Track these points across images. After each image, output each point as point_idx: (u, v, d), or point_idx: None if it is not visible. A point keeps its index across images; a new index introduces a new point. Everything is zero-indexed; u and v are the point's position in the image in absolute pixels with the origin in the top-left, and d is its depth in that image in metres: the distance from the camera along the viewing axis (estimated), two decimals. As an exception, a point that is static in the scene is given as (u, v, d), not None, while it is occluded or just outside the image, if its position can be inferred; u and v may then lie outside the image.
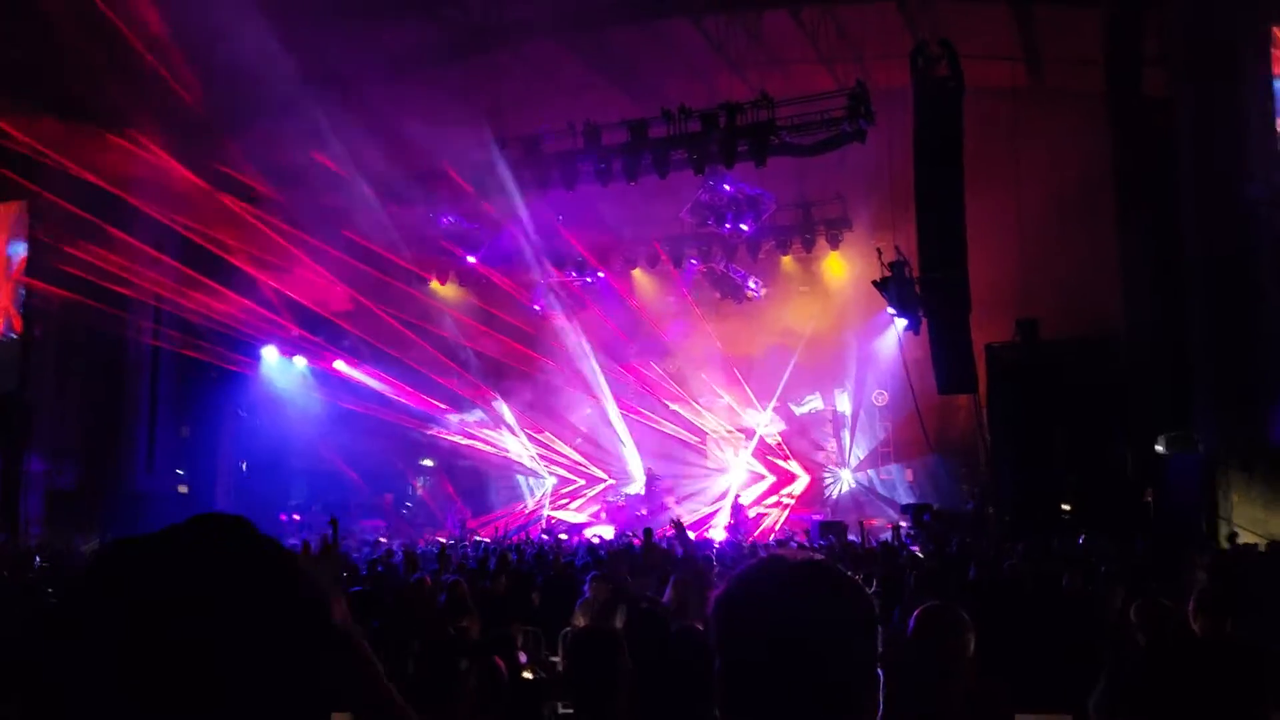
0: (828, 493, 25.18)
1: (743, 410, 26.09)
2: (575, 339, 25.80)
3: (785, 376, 24.94)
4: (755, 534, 21.84)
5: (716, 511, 24.42)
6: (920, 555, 12.71)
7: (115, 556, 0.93)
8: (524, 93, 22.11)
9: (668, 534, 19.62)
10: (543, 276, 25.52)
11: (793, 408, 25.87)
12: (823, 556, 1.53)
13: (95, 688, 0.84)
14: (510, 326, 26.03)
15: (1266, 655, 4.66)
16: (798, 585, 1.40)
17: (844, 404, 25.35)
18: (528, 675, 5.55)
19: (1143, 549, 12.27)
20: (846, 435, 25.18)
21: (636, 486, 25.01)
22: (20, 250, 21.63)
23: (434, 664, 4.42)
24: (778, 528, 23.45)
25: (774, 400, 25.30)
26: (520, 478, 27.50)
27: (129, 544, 0.95)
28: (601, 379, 26.04)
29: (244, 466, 24.68)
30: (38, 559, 13.70)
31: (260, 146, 21.10)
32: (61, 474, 20.80)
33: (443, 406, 26.37)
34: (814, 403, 25.80)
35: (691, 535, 19.78)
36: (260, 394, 24.34)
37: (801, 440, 25.83)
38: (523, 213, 23.00)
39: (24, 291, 21.35)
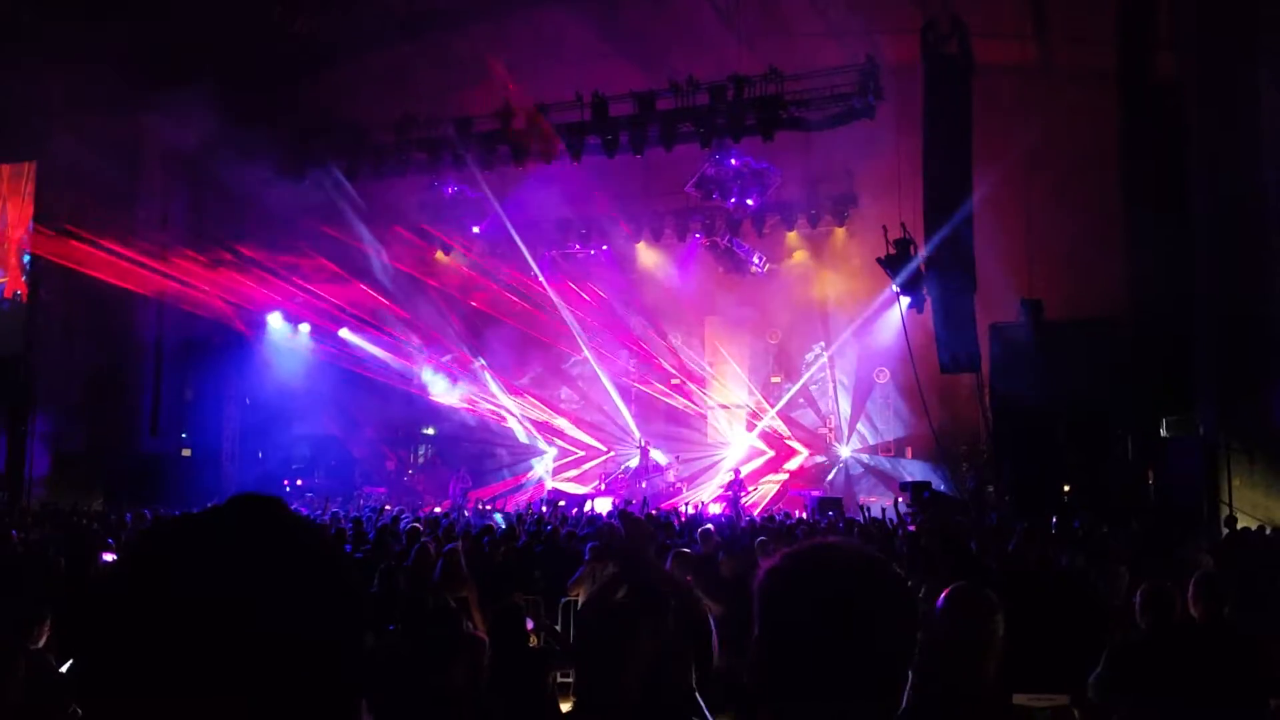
0: (827, 469, 25.22)
1: (745, 384, 26.12)
2: (578, 312, 25.81)
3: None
4: (752, 508, 21.95)
5: (715, 485, 24.49)
6: (919, 533, 12.73)
7: (160, 537, 0.96)
8: (532, 62, 22.02)
9: (663, 509, 19.71)
10: (546, 248, 25.50)
11: (782, 387, 25.91)
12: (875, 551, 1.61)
13: (144, 664, 0.87)
14: (513, 298, 26.01)
15: (1262, 641, 4.71)
16: (855, 572, 1.45)
17: (843, 380, 25.33)
18: (532, 643, 5.62)
19: (1140, 531, 12.31)
20: (846, 412, 25.20)
21: (636, 460, 25.10)
22: (26, 212, 21.61)
23: (431, 630, 4.46)
24: (775, 503, 23.52)
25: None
26: (523, 446, 27.56)
27: (173, 524, 0.97)
28: (602, 353, 26.10)
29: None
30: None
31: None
32: (67, 436, 20.89)
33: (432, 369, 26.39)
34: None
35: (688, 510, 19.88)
36: (265, 360, 24.37)
37: (796, 416, 25.88)
38: (528, 183, 22.96)
39: (29, 253, 21.34)
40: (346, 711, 0.94)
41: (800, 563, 1.48)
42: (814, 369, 25.56)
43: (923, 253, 18.17)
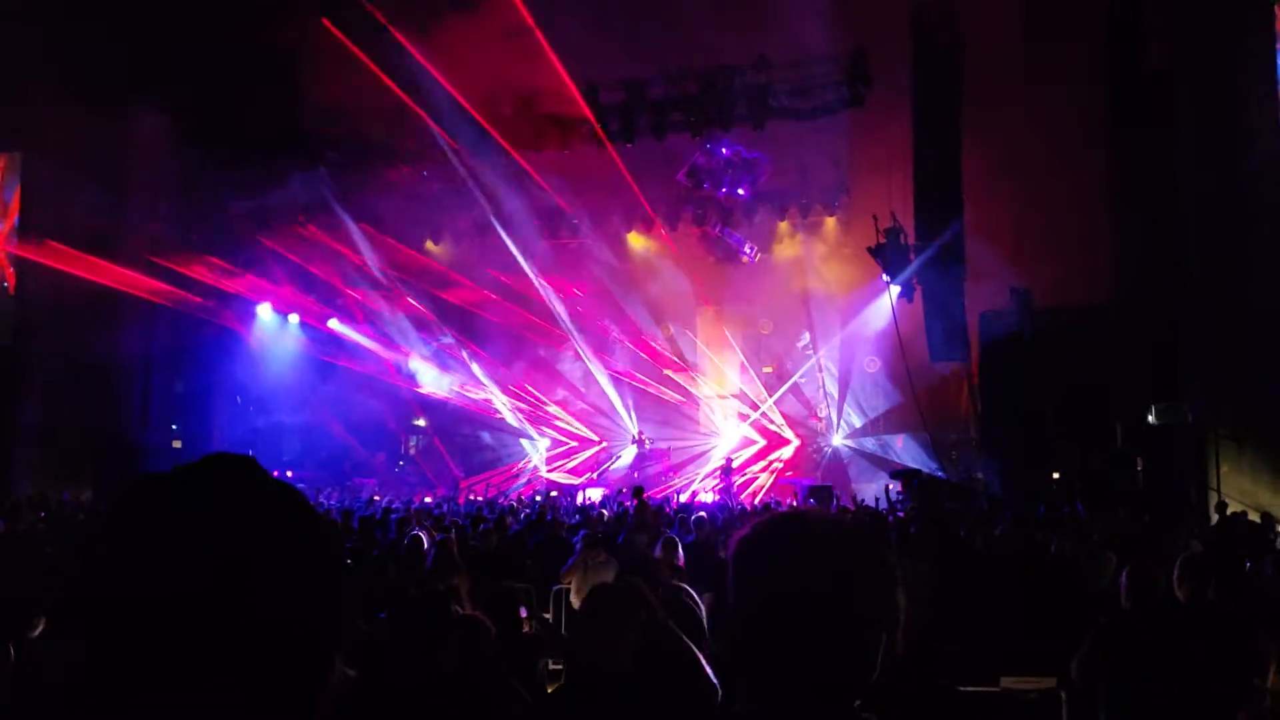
0: (818, 458, 25.27)
1: (737, 373, 26.15)
2: (568, 302, 25.76)
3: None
4: (744, 496, 21.99)
5: (708, 475, 24.54)
6: (908, 519, 12.78)
7: (144, 490, 0.96)
8: (520, 50, 21.91)
9: (654, 498, 19.73)
10: (537, 238, 25.42)
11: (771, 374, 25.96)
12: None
13: (131, 614, 0.87)
14: (503, 288, 25.93)
15: (1245, 621, 4.74)
16: (824, 536, 1.46)
17: (833, 369, 25.35)
18: (525, 630, 5.64)
19: (1126, 517, 12.37)
20: (836, 400, 25.23)
21: (631, 450, 25.14)
22: (11, 203, 21.47)
23: (423, 617, 4.47)
24: (766, 491, 23.57)
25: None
26: (515, 436, 27.55)
27: (156, 478, 0.98)
28: (593, 343, 26.06)
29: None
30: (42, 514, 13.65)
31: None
32: (56, 427, 20.78)
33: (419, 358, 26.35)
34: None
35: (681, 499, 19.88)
36: (255, 351, 24.32)
37: (786, 405, 25.93)
38: (517, 173, 22.89)
39: (15, 243, 21.21)
40: (322, 663, 0.95)
41: (770, 529, 1.49)
42: (808, 361, 25.60)
43: (913, 242, 18.20)
